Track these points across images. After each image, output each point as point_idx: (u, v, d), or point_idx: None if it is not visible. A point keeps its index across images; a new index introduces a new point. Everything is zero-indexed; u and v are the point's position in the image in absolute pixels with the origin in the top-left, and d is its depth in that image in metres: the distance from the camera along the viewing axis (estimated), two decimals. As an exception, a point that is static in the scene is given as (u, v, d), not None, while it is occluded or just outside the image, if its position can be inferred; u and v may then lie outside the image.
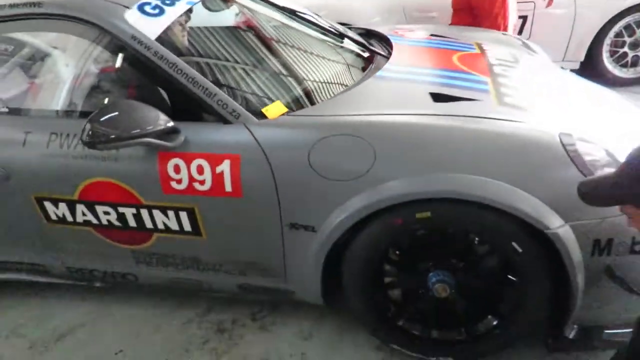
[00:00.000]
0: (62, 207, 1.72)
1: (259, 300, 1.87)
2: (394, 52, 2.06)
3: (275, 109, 1.59)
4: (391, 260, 1.56)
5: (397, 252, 1.55)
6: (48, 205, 1.73)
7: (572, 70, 3.57)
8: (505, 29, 3.04)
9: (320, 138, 1.45)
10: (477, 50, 2.18)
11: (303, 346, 1.73)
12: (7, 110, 1.84)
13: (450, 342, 1.59)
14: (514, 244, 1.35)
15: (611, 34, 3.59)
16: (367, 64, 2.01)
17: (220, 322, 1.87)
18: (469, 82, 1.78)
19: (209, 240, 1.66)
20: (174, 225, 1.65)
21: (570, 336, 1.49)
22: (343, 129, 1.46)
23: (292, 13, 2.13)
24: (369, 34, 2.49)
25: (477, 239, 1.45)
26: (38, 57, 2.17)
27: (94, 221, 1.72)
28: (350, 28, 2.56)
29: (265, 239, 1.60)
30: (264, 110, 1.58)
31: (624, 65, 3.73)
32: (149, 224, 1.67)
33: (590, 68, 3.70)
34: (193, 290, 1.86)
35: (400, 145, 1.41)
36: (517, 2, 3.52)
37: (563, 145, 1.36)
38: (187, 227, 1.64)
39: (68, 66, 2.04)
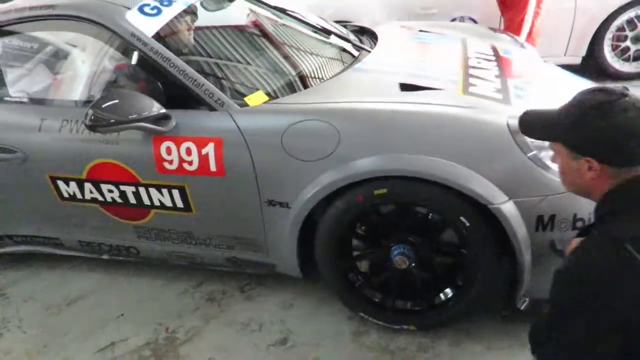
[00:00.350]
0: (73, 185, 1.94)
1: (246, 273, 2.05)
2: (376, 47, 2.21)
3: (256, 98, 1.77)
4: (358, 235, 1.72)
5: (363, 227, 1.70)
6: (60, 184, 1.96)
7: (574, 65, 3.65)
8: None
9: (292, 123, 1.62)
10: (460, 45, 2.31)
11: (283, 314, 1.91)
12: (27, 99, 2.08)
13: (412, 311, 1.74)
14: (462, 218, 1.49)
15: (613, 27, 3.61)
16: (352, 58, 2.16)
17: (211, 292, 2.06)
18: (440, 72, 1.91)
19: (199, 215, 1.85)
20: (168, 202, 1.85)
21: (522, 308, 1.62)
22: (312, 115, 1.63)
23: (281, 11, 2.31)
24: (362, 31, 2.64)
25: (430, 214, 1.59)
26: (61, 55, 2.42)
27: (100, 198, 1.94)
28: (345, 25, 2.72)
29: (247, 215, 1.78)
30: (246, 99, 1.76)
31: (627, 60, 3.75)
32: (146, 201, 1.88)
33: (592, 63, 3.74)
34: (188, 263, 2.06)
35: (361, 129, 1.57)
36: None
37: (509, 129, 1.49)
38: (179, 203, 1.84)
39: (84, 62, 2.29)
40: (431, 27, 2.63)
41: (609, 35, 3.64)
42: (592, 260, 0.96)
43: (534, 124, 1.21)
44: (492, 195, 1.45)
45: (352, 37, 2.40)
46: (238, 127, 1.67)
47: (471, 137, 1.50)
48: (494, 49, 2.31)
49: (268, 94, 1.81)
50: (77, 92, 2.09)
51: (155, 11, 1.90)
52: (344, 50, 2.23)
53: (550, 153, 1.30)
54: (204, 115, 1.73)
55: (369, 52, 2.17)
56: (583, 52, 3.71)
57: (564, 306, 1.03)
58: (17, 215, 2.14)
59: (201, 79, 1.74)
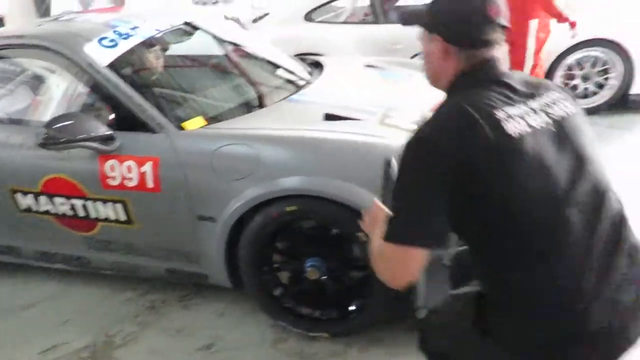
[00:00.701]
0: (30, 198, 2.13)
1: (186, 284, 2.21)
2: (317, 80, 2.43)
3: (195, 123, 1.98)
4: (278, 249, 1.89)
5: (282, 241, 1.87)
6: (19, 196, 2.15)
7: None
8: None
9: (220, 146, 1.82)
10: (394, 79, 2.53)
11: (214, 322, 2.06)
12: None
13: (325, 319, 1.89)
14: (360, 234, 1.66)
15: (563, 66, 3.86)
16: (295, 88, 2.38)
17: (153, 301, 2.22)
18: (366, 105, 2.11)
19: (139, 228, 2.03)
20: (112, 215, 2.03)
21: (421, 317, 1.77)
22: (238, 139, 1.83)
23: (234, 45, 2.54)
24: (316, 63, 2.87)
25: (335, 230, 1.76)
26: (42, 79, 2.64)
27: (53, 211, 2.12)
28: (304, 58, 2.96)
29: (181, 229, 1.96)
30: (185, 123, 1.96)
31: (577, 97, 3.98)
32: (94, 214, 2.06)
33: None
34: (133, 273, 2.22)
35: (277, 153, 1.77)
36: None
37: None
38: (122, 217, 2.02)
39: (58, 86, 2.51)
40: (379, 62, 2.86)
41: (559, 73, 3.88)
42: (438, 122, 0.99)
43: (407, 14, 1.23)
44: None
45: (302, 69, 2.62)
46: (174, 148, 1.87)
47: (368, 160, 1.68)
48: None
49: (208, 119, 2.01)
50: (44, 113, 2.31)
51: (112, 43, 2.13)
52: (289, 81, 2.45)
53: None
54: (145, 137, 1.93)
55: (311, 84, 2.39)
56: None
57: (409, 167, 0.99)
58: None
59: (145, 104, 1.95)
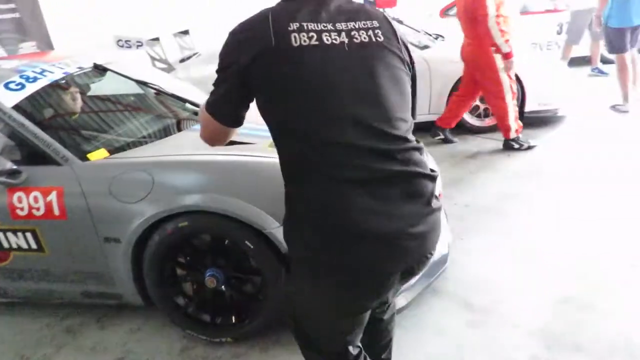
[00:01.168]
0: (-58, 234, 2.23)
1: (104, 305, 2.34)
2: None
3: (98, 154, 2.16)
4: (179, 263, 2.08)
5: (182, 256, 2.07)
6: None
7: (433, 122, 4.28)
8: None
9: (118, 174, 2.02)
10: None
11: (127, 338, 2.21)
12: None
13: (227, 325, 2.08)
14: (247, 242, 1.89)
15: (462, 87, 4.28)
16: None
17: (70, 325, 2.34)
18: (254, 130, 2.37)
19: (51, 255, 2.17)
20: (23, 244, 2.17)
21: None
22: (134, 166, 2.04)
23: (143, 84, 2.76)
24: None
25: (226, 241, 1.98)
26: None
27: (-34, 243, 2.23)
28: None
29: (90, 252, 2.11)
30: (88, 155, 2.15)
31: (479, 116, 4.42)
32: (6, 244, 2.19)
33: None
34: (49, 299, 2.34)
35: (171, 176, 1.99)
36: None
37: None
38: (33, 245, 2.16)
39: None
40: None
41: (456, 93, 4.30)
42: (246, 22, 1.17)
43: None
44: (267, 222, 1.86)
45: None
46: (77, 177, 2.05)
47: (254, 177, 1.93)
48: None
49: (110, 151, 2.21)
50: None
51: (19, 87, 2.30)
52: (195, 113, 2.68)
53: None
54: (51, 169, 2.10)
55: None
56: (442, 110, 4.35)
57: (221, 54, 1.19)
58: None
59: (50, 140, 2.12)
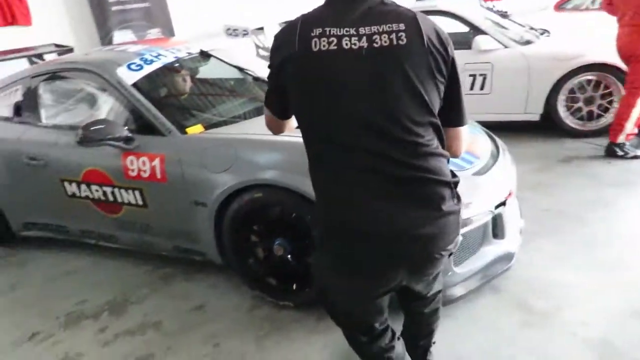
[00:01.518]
0: (74, 186, 2.73)
1: (188, 259, 2.69)
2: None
3: (195, 129, 2.49)
4: (254, 230, 2.33)
5: (256, 223, 2.31)
6: (67, 184, 2.75)
7: (534, 122, 4.11)
8: None
9: (208, 146, 2.32)
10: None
11: (207, 291, 2.53)
12: (53, 125, 2.92)
13: (290, 290, 2.29)
14: (309, 216, 2.07)
15: (565, 90, 4.04)
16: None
17: (163, 274, 2.74)
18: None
19: (152, 211, 2.55)
20: (132, 200, 2.57)
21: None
22: (222, 141, 2.32)
23: (240, 70, 3.06)
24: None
25: (293, 214, 2.17)
26: (96, 96, 3.29)
27: (91, 196, 2.70)
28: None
29: (182, 212, 2.45)
30: (187, 129, 2.48)
31: (581, 119, 4.14)
32: (119, 199, 2.61)
33: (550, 120, 4.16)
34: (149, 250, 2.75)
35: (250, 152, 2.23)
36: (475, 63, 4.18)
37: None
38: (139, 201, 2.55)
39: (106, 101, 3.14)
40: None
41: (561, 96, 4.06)
42: (284, 27, 1.30)
43: None
44: (330, 201, 2.02)
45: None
46: (176, 148, 2.39)
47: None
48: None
49: (206, 127, 2.52)
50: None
51: (138, 68, 2.71)
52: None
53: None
54: (157, 139, 2.46)
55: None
56: (540, 110, 4.15)
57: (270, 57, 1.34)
58: (39, 207, 2.96)
59: (158, 114, 2.49)
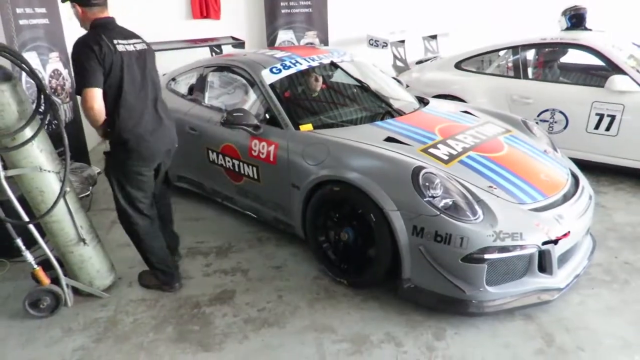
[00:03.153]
0: (214, 154, 3.57)
1: (282, 229, 3.33)
2: (408, 115, 3.30)
3: (306, 127, 3.10)
4: (330, 215, 2.85)
5: (333, 211, 2.83)
6: (210, 153, 3.61)
7: None
8: None
9: (310, 143, 2.91)
10: (465, 123, 3.22)
11: (288, 257, 3.15)
12: (212, 106, 3.81)
13: (347, 270, 2.78)
14: (371, 215, 2.52)
15: None
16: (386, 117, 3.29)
17: (260, 236, 3.44)
18: (420, 136, 2.92)
19: (262, 186, 3.25)
20: (250, 174, 3.30)
21: (405, 287, 2.51)
22: (320, 141, 2.88)
23: (356, 79, 3.57)
24: (421, 100, 3.72)
25: (360, 210, 2.63)
26: (247, 88, 4.13)
27: (224, 165, 3.51)
28: (422, 98, 3.83)
29: (283, 191, 3.09)
30: (300, 126, 3.10)
31: None
32: (242, 171, 3.37)
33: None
34: (256, 215, 3.47)
35: (339, 153, 2.75)
36: (607, 103, 4.06)
37: (412, 173, 2.47)
38: (255, 176, 3.27)
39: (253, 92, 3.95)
40: (473, 110, 3.55)
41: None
42: (85, 36, 2.37)
43: None
44: (388, 204, 2.45)
45: (408, 105, 3.51)
46: (287, 139, 3.03)
47: (392, 170, 2.53)
48: (497, 133, 3.13)
49: (315, 126, 3.11)
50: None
51: (278, 71, 3.41)
52: (387, 112, 3.37)
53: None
54: (276, 130, 3.14)
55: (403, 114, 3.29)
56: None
57: (79, 54, 2.34)
58: (189, 166, 3.90)
59: (281, 110, 3.16)
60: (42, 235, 2.63)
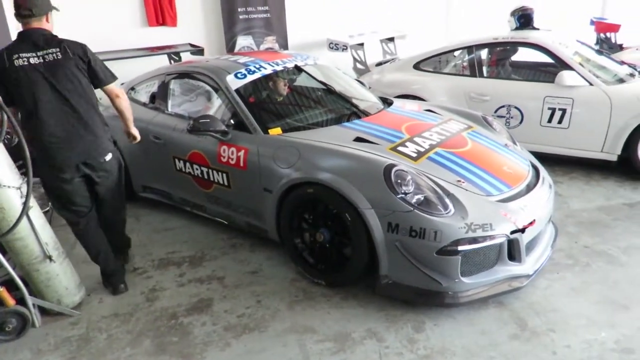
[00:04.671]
0: (181, 163, 3.51)
1: (255, 234, 3.32)
2: (374, 115, 3.37)
3: (275, 130, 3.10)
4: (304, 217, 2.87)
5: (306, 212, 2.85)
6: (177, 161, 3.55)
7: (608, 162, 4.12)
8: None
9: (280, 146, 2.91)
10: (430, 121, 3.31)
11: (262, 260, 3.14)
12: (175, 114, 3.74)
13: (323, 271, 2.80)
14: (346, 214, 2.56)
15: (645, 134, 3.99)
16: (352, 118, 3.34)
17: (234, 242, 3.41)
18: (387, 135, 2.98)
19: (234, 191, 3.22)
20: (220, 181, 3.27)
21: (382, 283, 2.56)
22: (290, 143, 2.90)
23: (321, 83, 3.62)
24: (390, 102, 3.80)
25: (334, 210, 2.67)
26: (211, 93, 4.08)
27: (192, 172, 3.46)
28: (386, 98, 3.90)
29: (255, 195, 3.08)
30: (269, 130, 3.10)
31: None
32: (211, 178, 3.33)
33: (628, 162, 4.13)
34: (228, 222, 3.43)
35: (310, 155, 2.77)
36: (557, 97, 4.28)
37: (383, 170, 2.52)
38: (225, 182, 3.24)
39: (217, 99, 3.91)
40: (435, 108, 3.66)
41: (643, 138, 4.02)
42: None
43: None
44: (362, 203, 2.49)
45: (372, 106, 3.57)
46: (257, 144, 3.02)
47: (364, 169, 2.57)
48: (460, 129, 3.25)
49: (284, 130, 3.12)
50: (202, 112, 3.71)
51: (243, 76, 3.40)
52: (353, 113, 3.43)
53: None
54: (245, 135, 3.12)
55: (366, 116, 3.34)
56: (618, 151, 4.14)
57: None
58: (155, 176, 3.81)
59: (249, 115, 3.15)
60: (4, 253, 2.51)
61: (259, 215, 3.14)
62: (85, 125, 2.61)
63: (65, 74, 2.54)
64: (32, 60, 2.47)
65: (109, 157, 2.75)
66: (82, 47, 2.60)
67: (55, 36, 2.57)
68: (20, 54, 2.46)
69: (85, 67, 2.60)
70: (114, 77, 2.74)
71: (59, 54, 2.52)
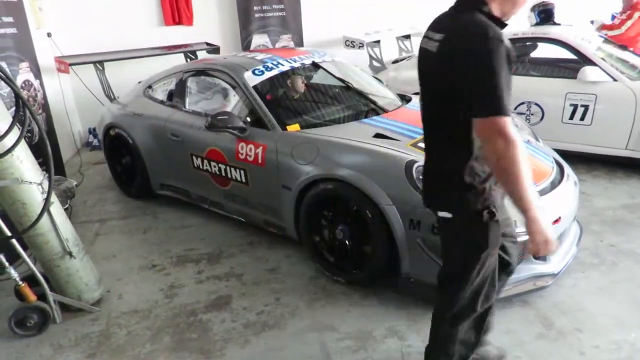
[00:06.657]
0: (199, 160, 3.50)
1: (274, 231, 3.29)
2: (395, 111, 3.32)
3: (293, 127, 3.08)
4: (323, 214, 2.83)
5: (326, 209, 2.82)
6: (194, 158, 3.54)
7: (633, 160, 4.02)
8: None
9: (299, 143, 2.89)
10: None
11: (282, 259, 3.11)
12: (193, 111, 3.74)
13: (344, 268, 2.76)
14: (367, 211, 2.52)
15: (674, 131, 3.88)
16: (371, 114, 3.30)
17: (252, 240, 3.38)
18: (407, 131, 2.93)
19: (251, 188, 3.21)
20: (238, 177, 3.25)
21: (403, 282, 2.52)
22: (309, 140, 2.86)
23: (340, 80, 3.58)
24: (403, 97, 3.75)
25: (355, 207, 2.63)
26: (228, 90, 4.08)
27: (210, 170, 3.45)
28: (403, 95, 3.85)
29: (273, 193, 3.06)
30: (287, 126, 3.07)
31: (689, 162, 3.92)
32: (229, 175, 3.31)
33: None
34: (245, 219, 3.42)
35: (330, 151, 2.74)
36: (580, 94, 4.19)
37: (406, 166, 2.48)
38: (243, 179, 3.22)
39: (234, 96, 3.90)
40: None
41: (669, 136, 3.91)
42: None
43: None
44: (383, 199, 2.45)
45: (390, 102, 3.53)
46: (275, 140, 3.00)
47: (385, 165, 2.53)
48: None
49: (302, 126, 3.09)
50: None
51: (260, 73, 3.38)
52: (371, 109, 3.39)
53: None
54: (263, 132, 3.10)
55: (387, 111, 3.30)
56: (641, 148, 4.03)
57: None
58: (173, 173, 3.81)
59: (267, 111, 3.13)
60: (25, 249, 2.52)
61: (277, 213, 3.12)
62: None
63: None
64: None
65: None
66: None
67: None
68: None
69: None
70: None
71: None
